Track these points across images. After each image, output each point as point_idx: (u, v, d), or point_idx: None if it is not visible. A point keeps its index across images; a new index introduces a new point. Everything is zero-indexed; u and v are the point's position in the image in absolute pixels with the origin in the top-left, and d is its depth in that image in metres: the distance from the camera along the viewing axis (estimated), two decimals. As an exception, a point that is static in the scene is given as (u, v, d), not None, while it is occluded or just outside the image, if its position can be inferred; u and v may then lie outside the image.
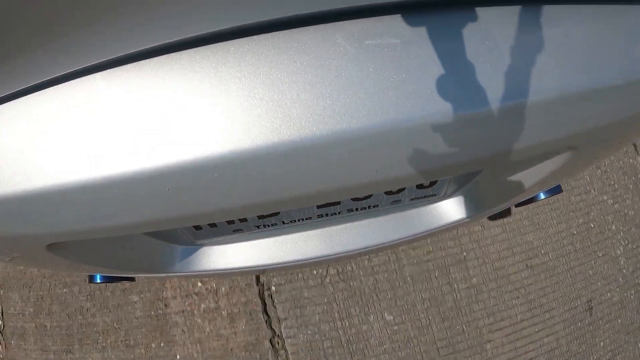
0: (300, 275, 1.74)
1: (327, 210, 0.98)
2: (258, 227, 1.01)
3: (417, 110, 0.58)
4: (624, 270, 1.85)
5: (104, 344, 1.70)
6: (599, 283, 1.83)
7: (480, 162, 0.75)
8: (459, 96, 0.59)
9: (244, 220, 0.95)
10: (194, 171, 0.58)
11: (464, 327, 1.74)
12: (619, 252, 1.87)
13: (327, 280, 1.74)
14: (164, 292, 1.75)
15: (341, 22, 0.59)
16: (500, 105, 0.60)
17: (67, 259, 0.82)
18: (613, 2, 0.63)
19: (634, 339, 1.78)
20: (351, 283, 1.75)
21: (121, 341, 1.70)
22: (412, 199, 1.02)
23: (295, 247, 1.08)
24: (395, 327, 1.72)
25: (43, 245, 0.72)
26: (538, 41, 0.61)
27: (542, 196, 1.13)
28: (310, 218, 1.01)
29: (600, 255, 1.86)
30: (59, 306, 1.75)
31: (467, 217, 1.08)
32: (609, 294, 1.82)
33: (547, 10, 0.62)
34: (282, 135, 0.57)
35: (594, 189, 1.93)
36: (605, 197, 1.93)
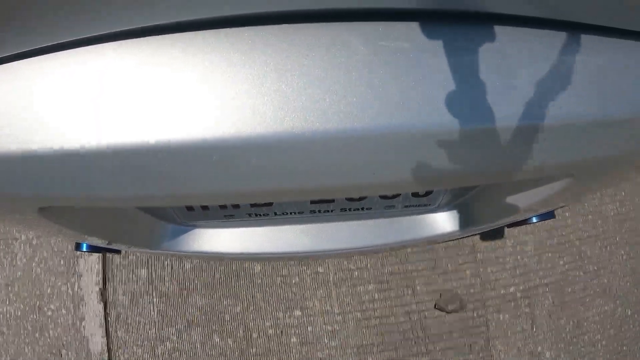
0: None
1: (320, 206, 0.99)
2: (250, 215, 1.01)
3: (421, 118, 0.58)
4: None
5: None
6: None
7: (477, 178, 0.75)
8: (464, 110, 0.59)
9: (236, 206, 0.95)
10: (192, 151, 0.58)
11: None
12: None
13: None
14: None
15: (357, 22, 0.59)
16: (503, 125, 0.60)
17: (58, 224, 0.83)
18: (629, 37, 0.64)
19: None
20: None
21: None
22: (405, 206, 1.03)
23: (284, 240, 1.09)
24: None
25: (35, 207, 0.72)
26: (550, 66, 0.61)
27: (534, 220, 1.13)
28: (303, 212, 1.02)
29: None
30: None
31: (458, 232, 1.08)
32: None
33: (563, 37, 0.62)
34: (285, 126, 0.57)
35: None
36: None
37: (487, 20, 0.61)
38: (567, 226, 1.89)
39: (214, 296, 1.72)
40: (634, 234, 1.93)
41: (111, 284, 1.70)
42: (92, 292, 1.69)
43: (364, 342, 1.73)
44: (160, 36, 0.58)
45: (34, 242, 1.72)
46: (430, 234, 1.09)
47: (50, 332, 1.68)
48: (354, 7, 0.58)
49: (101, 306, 1.68)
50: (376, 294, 1.76)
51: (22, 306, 1.69)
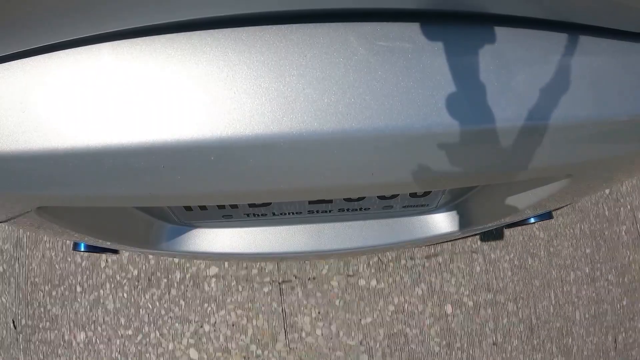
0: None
1: (318, 207, 0.99)
2: (248, 215, 1.01)
3: (420, 119, 0.58)
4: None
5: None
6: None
7: (476, 179, 0.75)
8: (463, 111, 0.59)
9: (234, 206, 0.95)
10: (190, 152, 0.58)
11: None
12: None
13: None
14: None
15: (356, 23, 0.59)
16: (502, 126, 0.60)
17: (56, 224, 0.82)
18: (630, 39, 0.64)
19: None
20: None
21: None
22: (404, 207, 1.03)
23: (282, 240, 1.09)
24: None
25: (33, 207, 0.72)
26: (549, 67, 0.61)
27: (532, 220, 1.14)
28: (301, 213, 1.02)
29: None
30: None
31: (456, 232, 1.08)
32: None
33: (562, 38, 0.62)
34: (283, 127, 0.57)
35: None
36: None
37: (486, 21, 0.61)
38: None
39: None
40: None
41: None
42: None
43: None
44: (158, 36, 0.57)
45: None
46: (429, 234, 1.09)
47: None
48: (354, 7, 0.58)
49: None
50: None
51: None
